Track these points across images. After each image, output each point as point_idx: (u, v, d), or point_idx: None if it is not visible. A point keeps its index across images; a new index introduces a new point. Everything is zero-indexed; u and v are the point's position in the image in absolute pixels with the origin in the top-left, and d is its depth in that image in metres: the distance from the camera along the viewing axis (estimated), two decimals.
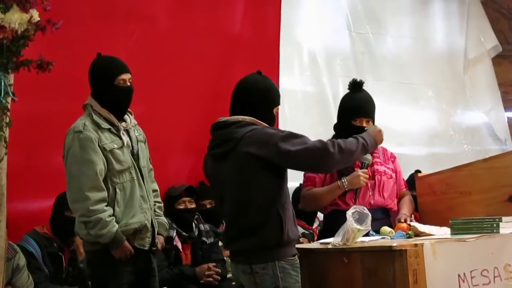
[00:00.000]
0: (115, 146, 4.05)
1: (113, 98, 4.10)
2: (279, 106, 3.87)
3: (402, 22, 8.00)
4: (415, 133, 7.83)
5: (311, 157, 3.57)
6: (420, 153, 7.71)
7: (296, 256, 3.69)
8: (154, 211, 4.23)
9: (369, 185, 4.41)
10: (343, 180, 4.35)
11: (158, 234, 4.22)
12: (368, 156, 4.43)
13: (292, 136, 3.59)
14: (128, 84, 4.13)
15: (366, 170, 4.39)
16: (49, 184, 4.89)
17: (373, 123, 4.46)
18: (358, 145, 3.69)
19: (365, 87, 4.58)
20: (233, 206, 3.66)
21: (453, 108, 8.35)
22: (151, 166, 4.29)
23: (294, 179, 4.84)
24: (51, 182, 4.82)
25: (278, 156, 3.55)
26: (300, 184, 4.83)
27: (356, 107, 4.46)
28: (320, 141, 3.59)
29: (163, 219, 4.32)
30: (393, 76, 7.73)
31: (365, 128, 3.98)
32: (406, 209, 4.52)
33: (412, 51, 8.04)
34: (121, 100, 4.14)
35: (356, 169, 4.38)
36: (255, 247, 3.59)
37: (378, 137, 3.88)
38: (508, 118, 8.80)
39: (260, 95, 3.74)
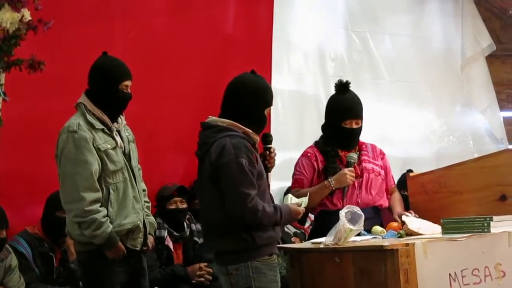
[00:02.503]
0: (109, 146, 4.03)
1: (114, 102, 4.08)
2: (272, 106, 3.87)
3: (399, 21, 7.96)
4: (413, 132, 7.81)
5: (237, 208, 3.57)
6: (418, 152, 7.69)
7: (273, 256, 3.70)
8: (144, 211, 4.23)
9: (356, 183, 4.43)
10: (329, 180, 4.36)
11: (148, 234, 4.21)
12: (354, 155, 4.45)
13: (243, 173, 3.57)
14: (129, 91, 4.13)
15: (352, 168, 4.40)
16: (41, 185, 4.86)
17: (362, 123, 4.48)
18: (275, 221, 3.67)
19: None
20: (206, 209, 3.73)
21: (451, 107, 8.33)
22: (139, 166, 4.28)
23: (286, 179, 4.85)
24: (43, 182, 4.79)
25: (219, 174, 3.59)
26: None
27: (345, 108, 4.45)
28: (254, 207, 3.56)
29: (152, 218, 4.31)
30: (390, 74, 7.71)
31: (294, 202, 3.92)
32: (400, 208, 4.53)
33: (409, 49, 7.99)
34: (120, 105, 4.13)
35: (342, 167, 4.39)
36: (229, 249, 3.63)
37: (295, 216, 3.89)
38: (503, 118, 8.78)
39: (251, 95, 3.74)
